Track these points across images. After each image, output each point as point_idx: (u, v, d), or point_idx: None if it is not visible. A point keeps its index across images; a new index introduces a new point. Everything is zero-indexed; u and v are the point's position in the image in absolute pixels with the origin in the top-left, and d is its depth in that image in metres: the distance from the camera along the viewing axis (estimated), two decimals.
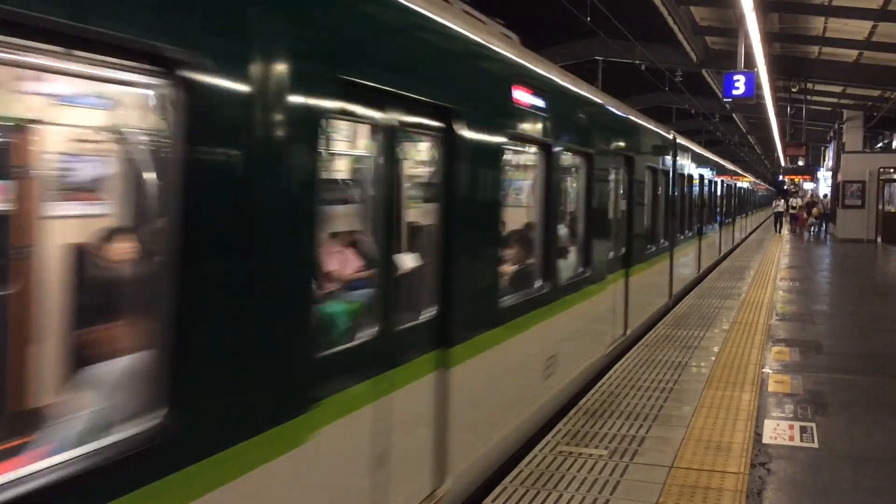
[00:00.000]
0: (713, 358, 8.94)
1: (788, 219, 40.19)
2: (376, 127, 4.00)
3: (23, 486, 2.11)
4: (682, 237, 14.42)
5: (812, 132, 42.93)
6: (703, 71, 25.81)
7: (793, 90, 26.66)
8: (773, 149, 48.21)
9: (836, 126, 36.35)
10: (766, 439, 6.18)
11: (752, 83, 16.51)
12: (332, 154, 4.79)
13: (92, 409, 2.77)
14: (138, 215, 3.71)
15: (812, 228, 34.38)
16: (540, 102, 6.21)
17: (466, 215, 4.84)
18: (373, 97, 3.83)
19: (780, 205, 41.26)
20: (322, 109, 3.32)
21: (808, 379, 8.14)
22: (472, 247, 4.99)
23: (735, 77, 16.56)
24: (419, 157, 4.80)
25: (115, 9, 2.34)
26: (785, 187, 67.44)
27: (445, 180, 4.63)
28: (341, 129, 5.13)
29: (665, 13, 18.72)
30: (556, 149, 6.69)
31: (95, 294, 3.62)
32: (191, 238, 2.62)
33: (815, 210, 35.01)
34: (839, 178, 31.65)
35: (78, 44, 2.26)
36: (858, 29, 20.41)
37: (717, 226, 20.82)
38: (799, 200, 37.91)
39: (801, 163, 48.96)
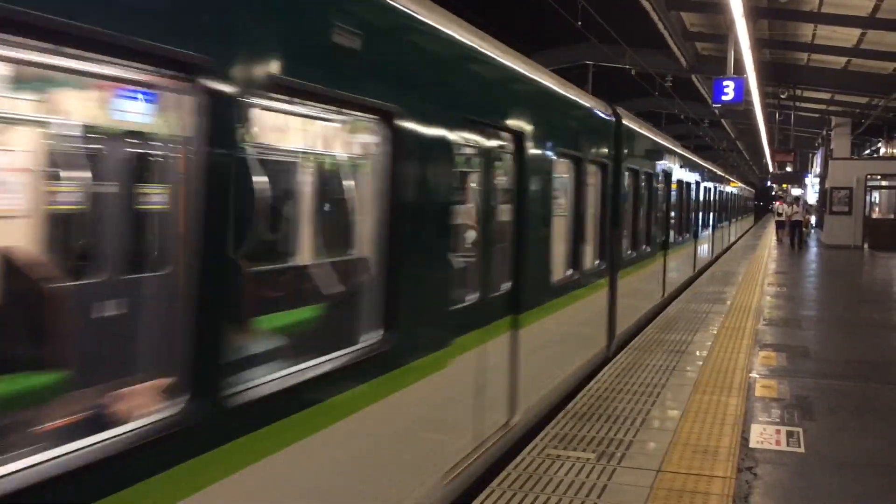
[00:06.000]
0: (700, 362, 8.97)
1: (782, 226, 34.28)
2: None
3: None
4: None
5: (800, 138, 43.20)
6: (693, 76, 25.95)
7: (781, 96, 26.85)
8: (762, 154, 48.49)
9: (825, 132, 36.59)
10: (752, 444, 6.19)
11: (742, 89, 16.62)
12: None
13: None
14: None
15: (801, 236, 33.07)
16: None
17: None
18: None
19: (787, 211, 33.38)
20: None
21: (794, 384, 8.17)
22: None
23: (724, 83, 16.66)
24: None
25: None
26: (773, 192, 67.72)
27: None
28: None
29: (656, 19, 18.82)
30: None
31: None
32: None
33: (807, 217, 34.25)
34: (827, 184, 31.81)
35: None
36: (847, 36, 20.57)
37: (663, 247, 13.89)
38: (786, 206, 37.29)
39: (789, 169, 49.22)
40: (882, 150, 37.65)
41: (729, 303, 13.92)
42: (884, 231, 29.74)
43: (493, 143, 5.68)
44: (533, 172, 6.46)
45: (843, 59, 23.23)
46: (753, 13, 15.95)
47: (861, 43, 20.80)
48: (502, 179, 6.11)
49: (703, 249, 21.07)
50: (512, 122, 6.03)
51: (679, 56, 22.92)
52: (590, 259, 8.71)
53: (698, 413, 6.89)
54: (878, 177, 31.08)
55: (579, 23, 16.23)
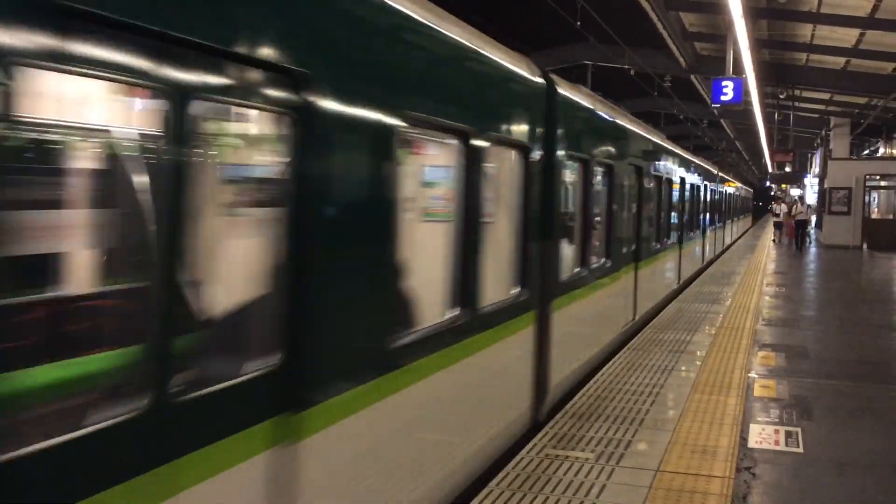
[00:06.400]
0: (699, 362, 8.97)
1: (779, 226, 34.17)
2: None
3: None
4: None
5: (799, 139, 43.26)
6: (692, 76, 25.96)
7: (780, 97, 26.87)
8: (761, 155, 48.54)
9: (824, 133, 36.63)
10: (751, 444, 6.19)
11: (741, 89, 16.65)
12: None
13: None
14: None
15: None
16: None
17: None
18: None
19: (785, 210, 33.32)
20: None
21: (793, 384, 8.18)
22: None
23: (723, 83, 16.68)
24: None
25: None
26: (773, 193, 67.81)
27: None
28: None
29: (655, 19, 18.82)
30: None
31: None
32: None
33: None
34: (825, 184, 31.84)
35: None
36: (846, 36, 20.59)
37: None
38: (784, 206, 37.27)
39: (788, 169, 49.30)
40: (881, 151, 37.70)
41: (728, 303, 13.92)
42: (883, 231, 29.77)
43: (207, 80, 2.85)
44: (343, 148, 3.65)
45: (842, 60, 23.24)
46: (752, 13, 15.96)
47: (860, 43, 20.81)
48: (261, 156, 3.76)
49: (692, 256, 18.44)
50: (280, 52, 3.18)
51: (678, 56, 22.92)
52: (496, 289, 5.74)
53: (697, 413, 6.90)
54: (878, 177, 31.11)
55: (578, 23, 16.25)
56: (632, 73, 23.23)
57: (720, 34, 19.54)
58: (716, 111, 27.45)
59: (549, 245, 6.90)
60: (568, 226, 8.00)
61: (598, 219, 9.14)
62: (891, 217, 31.90)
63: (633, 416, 6.72)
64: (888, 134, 35.78)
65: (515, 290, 6.17)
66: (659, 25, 19.41)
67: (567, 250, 7.84)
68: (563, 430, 6.32)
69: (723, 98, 16.65)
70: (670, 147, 15.07)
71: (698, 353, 9.52)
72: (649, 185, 12.09)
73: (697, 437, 6.20)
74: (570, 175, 8.00)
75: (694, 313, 12.65)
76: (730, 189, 32.25)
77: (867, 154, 40.97)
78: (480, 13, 15.48)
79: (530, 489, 5.08)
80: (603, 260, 9.23)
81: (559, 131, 7.12)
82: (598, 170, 8.90)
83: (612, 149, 9.52)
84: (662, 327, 11.31)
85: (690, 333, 10.79)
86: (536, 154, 6.48)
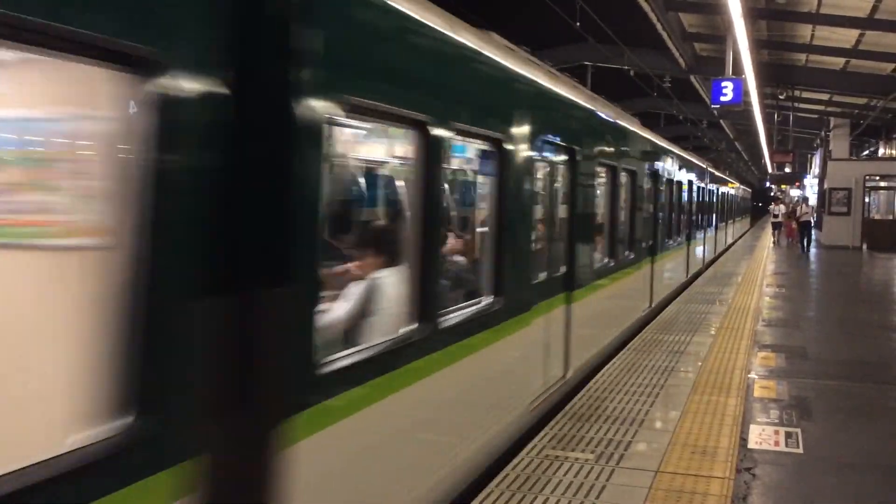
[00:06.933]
0: (699, 363, 8.96)
1: (778, 227, 33.84)
2: None
3: None
4: None
5: (799, 139, 43.32)
6: (692, 77, 25.97)
7: (780, 97, 26.90)
8: (761, 155, 48.59)
9: (823, 133, 36.66)
10: (751, 444, 6.19)
11: (740, 90, 16.66)
12: None
13: None
14: None
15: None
16: None
17: None
18: None
19: (784, 211, 34.19)
20: None
21: (793, 385, 8.17)
22: None
23: (723, 83, 16.71)
24: None
25: None
26: (773, 193, 67.86)
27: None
28: None
29: (654, 19, 18.84)
30: None
31: None
32: None
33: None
34: (825, 185, 31.83)
35: None
36: (845, 37, 20.61)
37: None
38: (783, 207, 37.18)
39: (787, 170, 49.34)
40: (881, 151, 37.72)
41: (727, 304, 13.91)
42: (883, 232, 29.76)
43: None
44: None
45: (842, 60, 23.26)
46: (752, 14, 15.98)
47: (859, 44, 20.84)
48: None
49: (671, 269, 15.04)
50: None
51: (678, 57, 22.94)
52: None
53: (697, 414, 6.89)
54: (877, 177, 31.11)
55: (578, 23, 16.26)
56: (631, 73, 23.23)
57: (719, 35, 19.55)
58: (715, 112, 27.45)
59: (282, 300, 3.08)
60: (383, 246, 4.73)
61: (483, 229, 5.99)
62: (890, 218, 31.90)
63: (633, 417, 6.71)
64: (888, 134, 35.80)
65: (107, 431, 2.35)
66: (658, 26, 19.43)
67: (379, 295, 4.52)
68: (562, 430, 6.31)
69: (722, 99, 16.67)
70: (635, 129, 11.32)
71: (698, 353, 9.52)
72: (593, 180, 8.55)
73: (697, 438, 6.19)
74: (360, 145, 5.08)
75: (693, 315, 12.64)
76: (724, 188, 28.68)
77: (867, 155, 40.99)
78: (480, 13, 15.48)
79: (530, 490, 5.07)
80: (488, 301, 5.50)
81: (318, 46, 3.27)
82: (463, 146, 5.66)
83: (502, 115, 5.69)
84: (662, 328, 11.31)
85: (690, 335, 10.78)
86: (195, 83, 2.63)
